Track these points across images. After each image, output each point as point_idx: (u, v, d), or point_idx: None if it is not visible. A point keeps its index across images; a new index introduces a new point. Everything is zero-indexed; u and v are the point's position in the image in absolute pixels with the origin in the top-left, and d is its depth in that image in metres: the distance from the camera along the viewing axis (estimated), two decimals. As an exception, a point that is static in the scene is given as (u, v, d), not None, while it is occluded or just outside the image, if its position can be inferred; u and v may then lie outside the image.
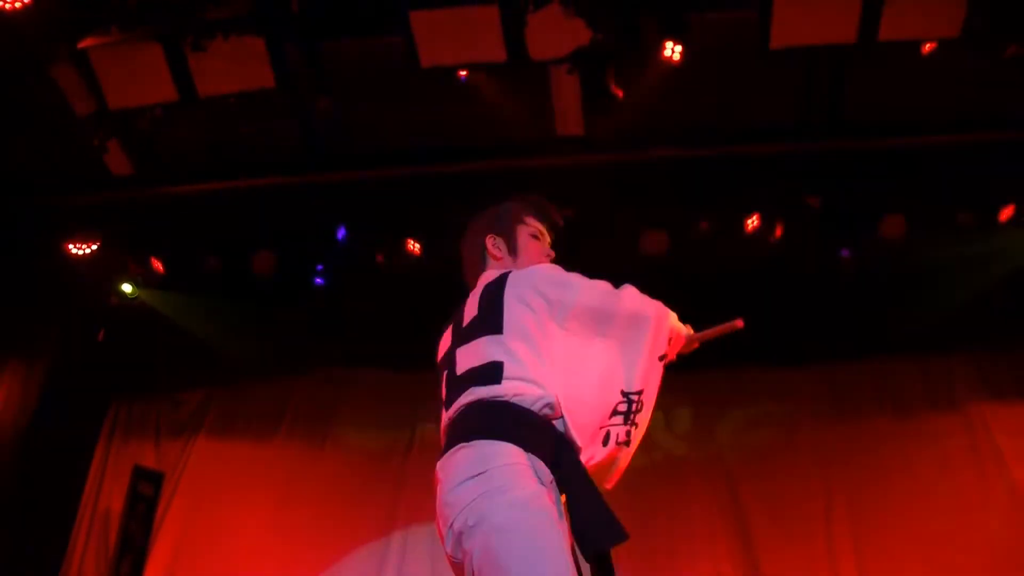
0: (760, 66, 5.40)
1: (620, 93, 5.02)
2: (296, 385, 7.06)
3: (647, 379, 2.44)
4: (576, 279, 2.53)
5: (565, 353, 2.44)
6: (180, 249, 6.16)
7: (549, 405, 2.35)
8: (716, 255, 5.73)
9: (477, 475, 2.20)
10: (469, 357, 2.46)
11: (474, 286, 2.68)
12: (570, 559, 2.12)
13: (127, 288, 6.39)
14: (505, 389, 2.34)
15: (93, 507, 6.87)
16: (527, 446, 2.27)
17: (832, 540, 6.19)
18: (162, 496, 6.57)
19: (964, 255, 5.88)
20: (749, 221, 5.68)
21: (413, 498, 6.57)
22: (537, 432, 2.32)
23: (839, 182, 5.69)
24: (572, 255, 5.77)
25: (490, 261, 2.75)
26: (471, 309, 2.56)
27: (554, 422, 2.37)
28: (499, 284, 2.52)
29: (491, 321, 2.46)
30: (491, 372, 2.38)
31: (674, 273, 5.41)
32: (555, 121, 5.43)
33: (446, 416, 2.50)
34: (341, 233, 5.79)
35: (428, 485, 6.80)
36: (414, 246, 5.86)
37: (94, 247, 6.12)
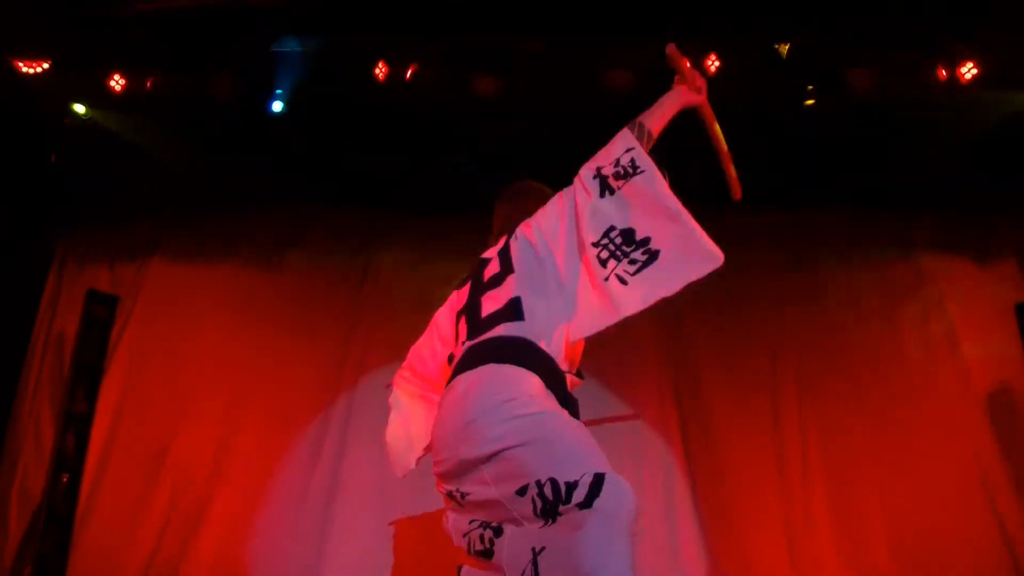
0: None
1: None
2: (253, 211, 6.99)
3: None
4: None
5: None
6: (137, 69, 5.95)
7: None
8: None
9: (509, 400, 2.53)
10: (493, 299, 2.94)
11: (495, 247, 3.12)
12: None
13: (80, 109, 6.20)
14: None
15: (47, 333, 6.86)
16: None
17: (777, 387, 6.38)
18: (117, 320, 6.55)
19: (931, 113, 5.88)
20: (709, 61, 5.61)
21: (368, 325, 6.68)
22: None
23: (808, 27, 5.61)
24: (537, 88, 5.75)
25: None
26: (492, 266, 3.00)
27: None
28: (511, 236, 3.02)
29: (507, 265, 2.94)
30: None
31: (636, 110, 5.31)
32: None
33: (463, 347, 2.85)
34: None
35: (385, 311, 6.85)
36: (380, 71, 5.71)
37: (46, 65, 5.94)
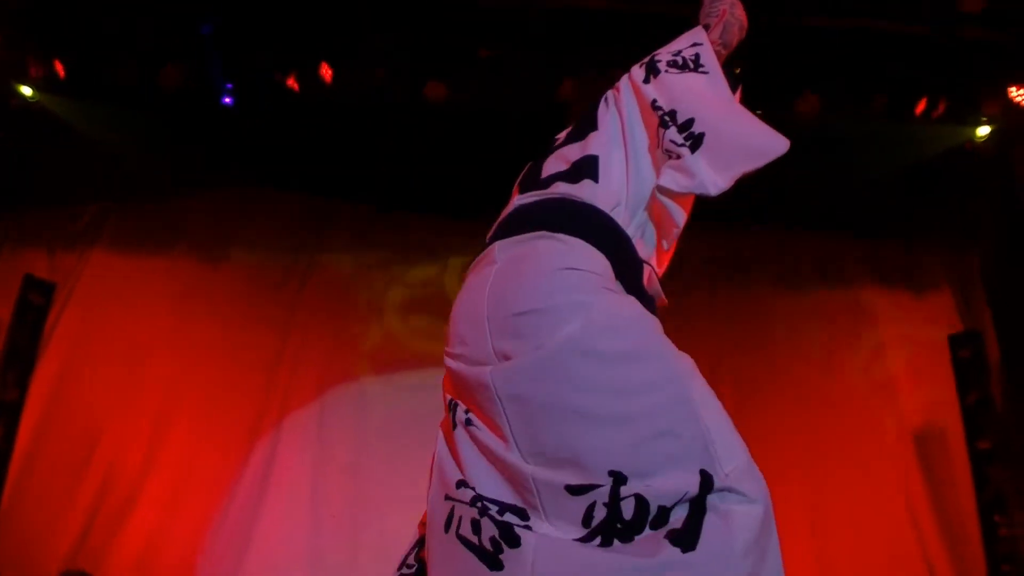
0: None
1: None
2: (197, 203, 6.93)
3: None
4: None
5: None
6: (87, 54, 5.88)
7: None
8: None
9: (559, 271, 1.88)
10: (560, 158, 2.28)
11: None
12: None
13: (27, 91, 6.10)
14: None
15: (-20, 317, 6.74)
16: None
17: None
18: (53, 307, 6.44)
19: (874, 141, 6.01)
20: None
21: (306, 323, 6.67)
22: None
23: (761, 54, 5.68)
24: (485, 96, 5.78)
25: None
26: (566, 132, 2.38)
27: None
28: (596, 101, 2.39)
29: (587, 125, 2.31)
30: None
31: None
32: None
33: (511, 207, 2.22)
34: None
35: (322, 312, 6.85)
36: (326, 71, 5.71)
37: (-8, 44, 5.85)
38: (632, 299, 1.94)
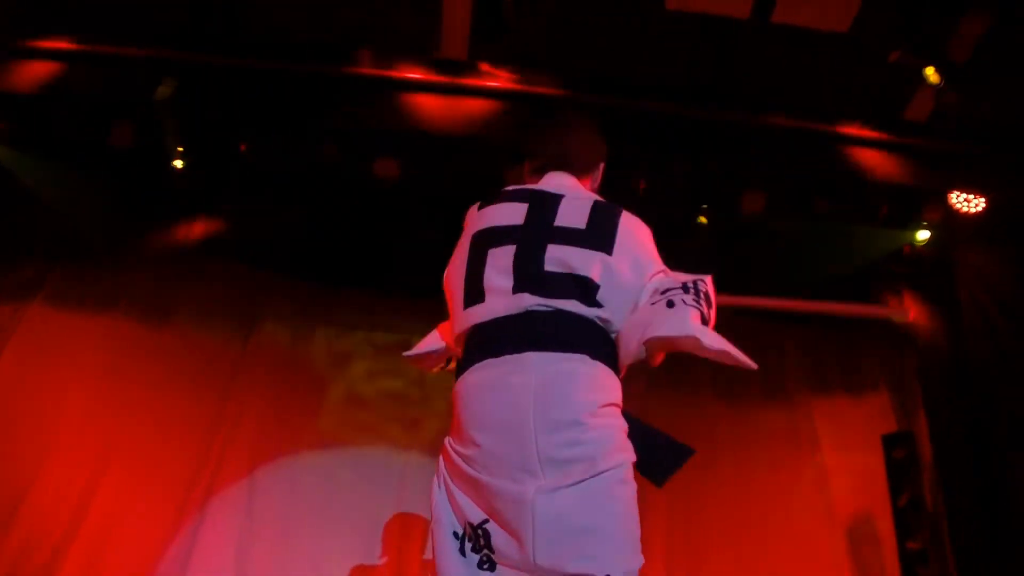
0: (652, 23, 5.48)
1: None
2: (140, 264, 6.79)
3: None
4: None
5: None
6: (36, 108, 5.86)
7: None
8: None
9: (604, 406, 2.18)
10: (567, 259, 2.27)
11: (558, 186, 2.49)
12: None
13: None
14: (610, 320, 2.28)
15: (-94, 370, 6.56)
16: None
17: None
18: (-17, 361, 6.31)
19: (817, 240, 6.14)
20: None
21: (243, 393, 6.56)
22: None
23: (711, 151, 5.81)
24: (436, 176, 5.81)
25: (589, 182, 2.64)
26: (571, 215, 2.35)
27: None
28: (613, 211, 2.40)
29: (602, 239, 2.31)
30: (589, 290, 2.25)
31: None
32: (440, 42, 5.39)
33: (515, 302, 2.23)
34: None
35: (259, 383, 6.73)
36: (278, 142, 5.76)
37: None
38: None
